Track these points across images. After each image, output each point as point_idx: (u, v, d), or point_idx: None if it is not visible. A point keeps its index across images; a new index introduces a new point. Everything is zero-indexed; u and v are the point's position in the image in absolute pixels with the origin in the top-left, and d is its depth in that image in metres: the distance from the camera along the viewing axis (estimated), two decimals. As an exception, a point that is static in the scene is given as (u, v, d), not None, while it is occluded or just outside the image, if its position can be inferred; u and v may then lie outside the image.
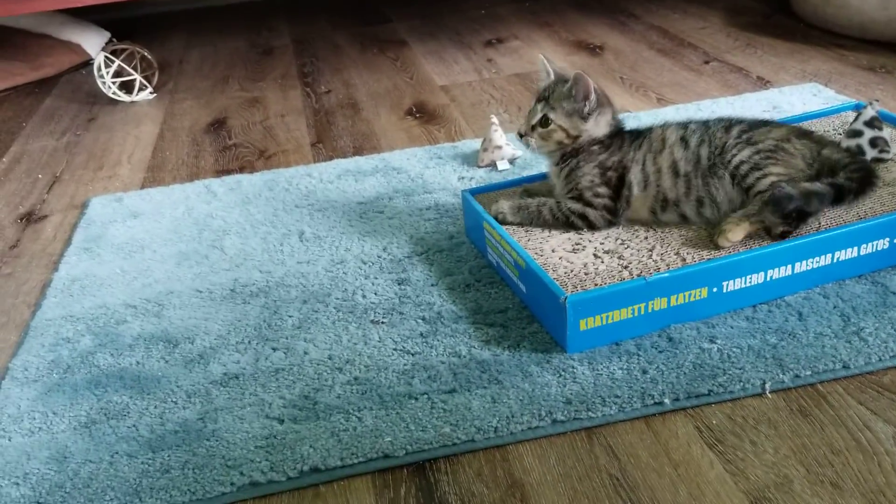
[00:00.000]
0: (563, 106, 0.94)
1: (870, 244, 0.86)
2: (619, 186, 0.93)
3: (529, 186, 1.03)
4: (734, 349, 0.78)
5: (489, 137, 1.23)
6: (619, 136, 0.97)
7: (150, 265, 1.05)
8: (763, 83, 1.49)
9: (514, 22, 2.07)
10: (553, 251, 0.89)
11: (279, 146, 1.43)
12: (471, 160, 1.25)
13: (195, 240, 1.10)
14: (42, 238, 1.18)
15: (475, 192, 1.02)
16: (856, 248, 0.86)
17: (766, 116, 1.24)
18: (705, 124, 0.95)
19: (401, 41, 2.00)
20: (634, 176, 0.93)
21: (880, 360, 0.75)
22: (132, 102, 1.71)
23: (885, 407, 0.71)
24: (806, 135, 0.95)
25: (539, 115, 0.95)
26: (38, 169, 1.43)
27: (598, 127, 0.95)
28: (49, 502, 0.69)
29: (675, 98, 1.47)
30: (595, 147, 0.95)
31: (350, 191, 1.19)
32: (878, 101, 1.05)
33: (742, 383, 0.74)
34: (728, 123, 0.94)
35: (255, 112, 1.61)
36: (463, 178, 1.20)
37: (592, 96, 0.93)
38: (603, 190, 0.92)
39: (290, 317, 0.91)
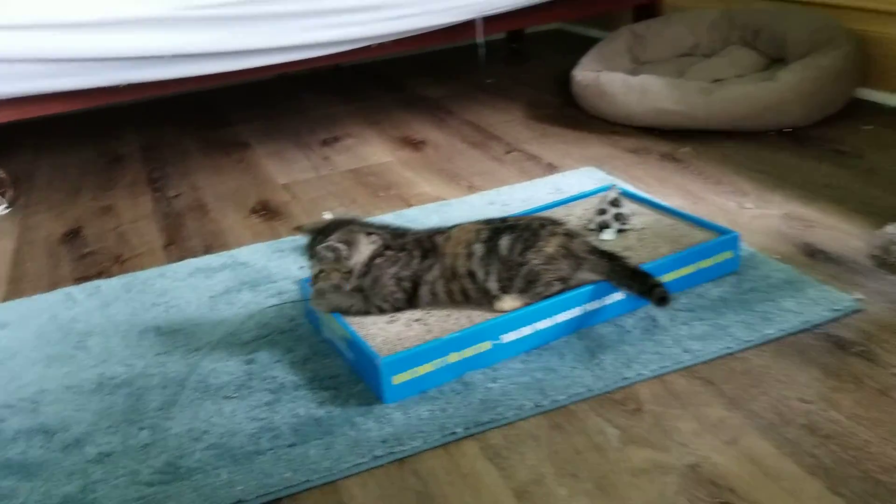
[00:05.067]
0: (326, 263, 1.11)
1: (609, 296, 1.13)
2: (414, 289, 1.12)
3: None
4: (510, 385, 1.02)
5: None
6: (402, 237, 1.14)
7: (22, 369, 1.18)
8: (552, 168, 1.79)
9: (348, 121, 2.31)
10: (373, 324, 1.11)
11: (133, 250, 1.58)
12: (307, 252, 1.46)
13: (61, 343, 1.24)
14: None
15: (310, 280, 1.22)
16: (600, 300, 1.12)
17: (552, 198, 1.54)
18: (492, 233, 1.12)
19: (244, 143, 2.20)
20: (424, 288, 1.11)
21: (614, 382, 1.01)
22: (-13, 219, 1.81)
23: (615, 416, 0.96)
24: (569, 235, 1.13)
25: (315, 272, 1.13)
26: None
27: (361, 254, 1.12)
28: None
29: (483, 185, 1.74)
30: (378, 260, 1.12)
31: (201, 287, 1.37)
32: (615, 185, 1.34)
33: (515, 410, 0.97)
34: (510, 238, 1.10)
35: (108, 220, 1.75)
36: (303, 267, 1.40)
37: (344, 257, 1.10)
38: (400, 296, 1.12)
39: (152, 401, 1.07)
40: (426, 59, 2.97)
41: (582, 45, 2.34)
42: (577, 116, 2.11)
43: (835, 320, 1.09)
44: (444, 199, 1.67)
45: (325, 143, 2.14)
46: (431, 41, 2.11)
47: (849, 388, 0.96)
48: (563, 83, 2.25)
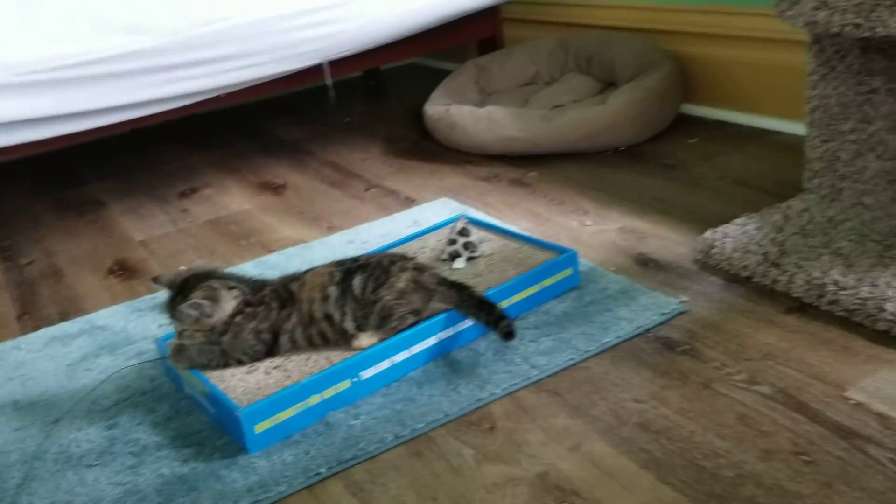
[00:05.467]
0: (186, 323, 1.11)
1: (462, 323, 1.19)
2: (274, 340, 1.15)
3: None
4: (371, 420, 1.06)
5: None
6: (261, 289, 1.16)
7: None
8: (410, 202, 1.85)
9: (206, 171, 2.31)
10: (232, 375, 1.13)
11: (-15, 325, 1.54)
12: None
13: None
14: None
15: (168, 338, 1.23)
16: (453, 328, 1.19)
17: (409, 231, 1.60)
18: (345, 275, 1.16)
19: (98, 202, 2.16)
20: (283, 337, 1.14)
21: (469, 405, 1.07)
22: None
23: (471, 437, 1.02)
24: (418, 269, 1.19)
25: (178, 329, 1.13)
26: None
27: (224, 310, 1.13)
28: None
29: (342, 225, 1.78)
30: (239, 318, 1.13)
31: (58, 355, 1.35)
32: (463, 215, 1.42)
33: (377, 444, 1.02)
34: (362, 277, 1.15)
35: (-44, 295, 1.69)
36: (162, 325, 1.40)
37: (207, 315, 1.11)
38: (260, 348, 1.14)
39: (11, 478, 1.05)
40: (284, 101, 3.00)
41: (436, 79, 2.43)
42: (433, 149, 2.20)
43: (664, 323, 1.20)
44: (305, 242, 1.70)
45: (183, 194, 2.13)
46: (282, 86, 2.15)
47: (676, 384, 1.06)
48: (418, 117, 2.34)
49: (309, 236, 1.74)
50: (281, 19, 1.99)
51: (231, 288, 1.15)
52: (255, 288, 1.18)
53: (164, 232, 1.89)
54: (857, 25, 1.08)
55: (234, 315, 1.14)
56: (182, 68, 1.91)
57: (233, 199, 2.05)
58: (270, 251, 1.69)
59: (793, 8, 1.17)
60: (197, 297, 1.11)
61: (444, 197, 1.84)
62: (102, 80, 1.82)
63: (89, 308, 1.54)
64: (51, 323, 1.49)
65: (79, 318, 1.48)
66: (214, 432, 1.09)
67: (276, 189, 2.08)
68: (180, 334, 1.14)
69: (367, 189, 1.99)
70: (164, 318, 1.17)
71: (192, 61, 1.91)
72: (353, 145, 2.36)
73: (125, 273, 1.69)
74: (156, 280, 1.18)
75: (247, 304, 1.15)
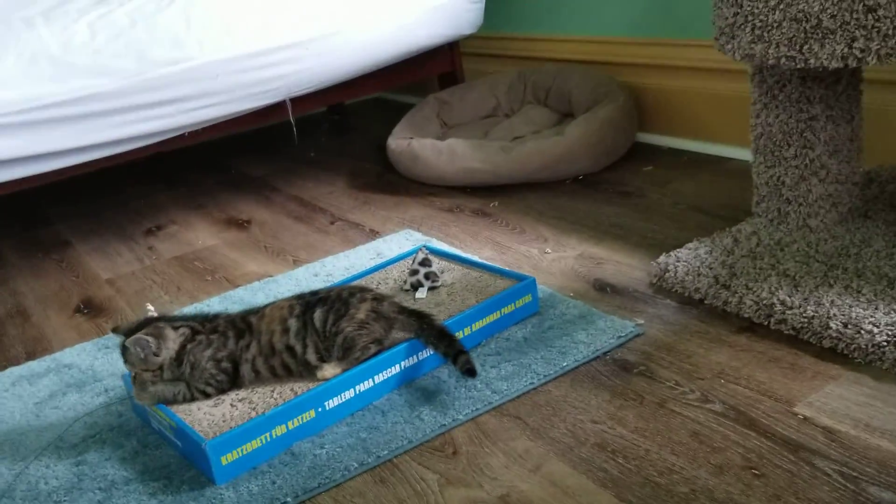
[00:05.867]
0: (135, 363, 1.15)
1: (425, 351, 1.22)
2: (234, 369, 1.17)
3: None
4: (337, 449, 1.08)
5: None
6: (213, 321, 1.19)
7: None
8: (374, 234, 1.89)
9: (172, 208, 2.32)
10: (199, 409, 1.14)
11: (-50, 367, 1.53)
12: (134, 345, 1.47)
13: None
14: None
15: (134, 375, 1.24)
16: (415, 356, 1.21)
17: (373, 263, 1.63)
18: (305, 308, 1.19)
19: (65, 242, 2.17)
20: (245, 367, 1.16)
21: (432, 431, 1.10)
22: None
23: (435, 462, 1.04)
24: (378, 299, 1.22)
25: (132, 372, 1.16)
26: None
27: (169, 348, 1.15)
28: None
29: (308, 258, 1.81)
30: (189, 346, 1.15)
31: (25, 395, 1.35)
32: (423, 246, 1.45)
33: (342, 472, 1.04)
34: (322, 310, 1.18)
35: (-80, 338, 1.68)
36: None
37: (153, 353, 1.14)
38: (222, 377, 1.16)
39: (-22, 518, 1.06)
40: (249, 137, 3.03)
41: (400, 112, 2.47)
42: (396, 182, 2.23)
43: (620, 346, 1.23)
44: (270, 276, 1.72)
45: (149, 232, 2.15)
46: (246, 123, 2.18)
47: (632, 404, 1.10)
48: (382, 150, 2.38)
49: (274, 270, 1.77)
50: (242, 59, 2.02)
51: (177, 327, 1.18)
52: (206, 320, 1.21)
53: (130, 270, 1.90)
54: (791, 58, 1.14)
55: (183, 346, 1.16)
56: (146, 108, 1.93)
57: (198, 235, 2.07)
58: (236, 286, 1.71)
59: (731, 42, 1.23)
60: (141, 335, 1.14)
61: (406, 229, 1.87)
62: (67, 122, 1.84)
63: (56, 347, 1.54)
64: (17, 363, 1.49)
65: (45, 357, 1.48)
66: (182, 466, 1.10)
67: (242, 224, 2.10)
68: (134, 378, 1.16)
69: (332, 222, 2.02)
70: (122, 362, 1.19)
71: (155, 101, 1.94)
72: (318, 179, 2.39)
73: (92, 311, 1.70)
74: (115, 330, 1.20)
75: (195, 333, 1.18)
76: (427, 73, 2.53)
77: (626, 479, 0.96)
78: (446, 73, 2.56)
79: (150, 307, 1.48)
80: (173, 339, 1.16)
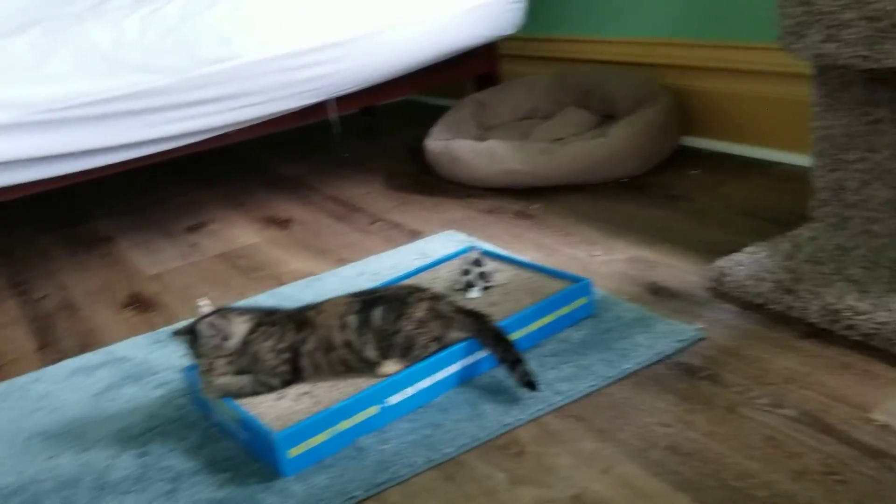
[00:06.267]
0: (207, 351, 1.15)
1: (482, 351, 1.22)
2: (296, 361, 1.17)
3: None
4: (402, 444, 1.08)
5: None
6: (273, 314, 1.19)
7: None
8: (415, 234, 1.88)
9: (212, 206, 2.33)
10: (262, 402, 1.15)
11: (5, 358, 1.54)
12: (187, 340, 1.47)
13: (-65, 462, 1.19)
14: None
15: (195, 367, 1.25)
16: (474, 356, 1.21)
17: (418, 263, 1.63)
18: (363, 305, 1.18)
19: (108, 238, 2.18)
20: (304, 360, 1.16)
21: (496, 429, 1.09)
22: None
23: (501, 460, 1.04)
24: (435, 298, 1.21)
25: (203, 367, 1.16)
26: None
27: (237, 332, 1.16)
28: None
29: (351, 257, 1.81)
30: (253, 335, 1.16)
31: (83, 386, 1.36)
32: (475, 246, 1.45)
33: (408, 467, 1.04)
34: (382, 309, 1.17)
35: (-30, 330, 1.70)
36: (184, 355, 1.41)
37: (223, 336, 1.15)
38: (285, 368, 1.16)
39: (46, 507, 1.06)
40: (284, 137, 3.04)
41: (430, 114, 2.48)
42: (433, 183, 2.23)
43: (682, 350, 1.23)
44: (315, 274, 1.72)
45: (191, 229, 2.15)
46: (288, 122, 2.19)
47: (701, 409, 1.09)
48: (416, 152, 2.38)
49: (318, 269, 1.77)
50: (286, 58, 2.03)
51: (241, 314, 1.19)
52: (267, 313, 1.22)
53: (174, 266, 1.91)
54: (865, 57, 1.13)
55: (249, 334, 1.17)
56: (192, 106, 1.94)
57: (240, 233, 2.08)
58: (282, 283, 1.71)
59: (800, 41, 1.22)
60: (211, 318, 1.15)
61: (449, 230, 1.87)
62: (114, 118, 1.85)
63: (107, 340, 1.55)
64: (71, 355, 1.50)
65: (99, 350, 1.49)
66: (247, 458, 1.10)
67: (282, 223, 2.11)
68: (206, 372, 1.16)
69: (373, 222, 2.02)
70: (189, 358, 1.20)
71: (201, 99, 1.94)
72: (354, 180, 2.39)
73: (140, 306, 1.70)
74: (177, 333, 1.20)
75: (259, 324, 1.18)
76: (466, 73, 2.53)
77: (701, 482, 0.95)
78: (484, 74, 2.56)
79: (205, 301, 1.48)
80: (239, 325, 1.17)
